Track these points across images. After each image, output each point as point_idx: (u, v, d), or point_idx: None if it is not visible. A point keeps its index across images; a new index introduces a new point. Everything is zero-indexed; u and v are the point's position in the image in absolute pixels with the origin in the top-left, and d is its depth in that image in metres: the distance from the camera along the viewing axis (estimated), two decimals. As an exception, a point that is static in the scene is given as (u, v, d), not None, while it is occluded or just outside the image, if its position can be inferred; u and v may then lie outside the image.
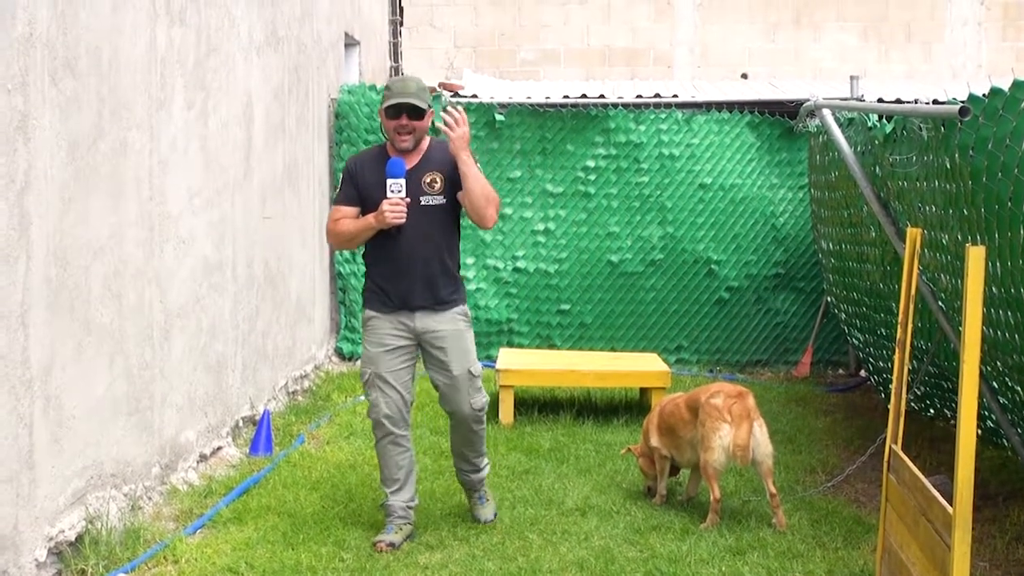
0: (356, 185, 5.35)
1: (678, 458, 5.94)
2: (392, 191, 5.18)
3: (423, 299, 5.29)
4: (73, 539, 4.75)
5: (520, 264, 10.43)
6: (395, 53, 14.06)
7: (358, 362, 9.28)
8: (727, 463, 5.63)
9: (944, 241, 5.27)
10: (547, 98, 10.51)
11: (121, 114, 5.27)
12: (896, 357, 4.66)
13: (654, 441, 6.01)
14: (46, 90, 4.51)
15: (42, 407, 4.51)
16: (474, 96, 10.60)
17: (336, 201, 5.44)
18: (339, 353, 10.30)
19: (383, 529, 5.35)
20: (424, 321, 5.30)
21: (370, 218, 5.23)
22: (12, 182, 4.25)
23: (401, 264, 5.27)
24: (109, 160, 5.14)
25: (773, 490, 5.60)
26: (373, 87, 10.36)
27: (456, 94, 10.63)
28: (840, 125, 7.15)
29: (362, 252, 5.62)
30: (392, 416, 5.31)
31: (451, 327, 5.33)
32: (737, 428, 5.54)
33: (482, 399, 5.41)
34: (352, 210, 5.33)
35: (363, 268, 5.60)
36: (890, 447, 4.62)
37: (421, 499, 5.92)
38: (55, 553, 4.64)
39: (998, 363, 5.09)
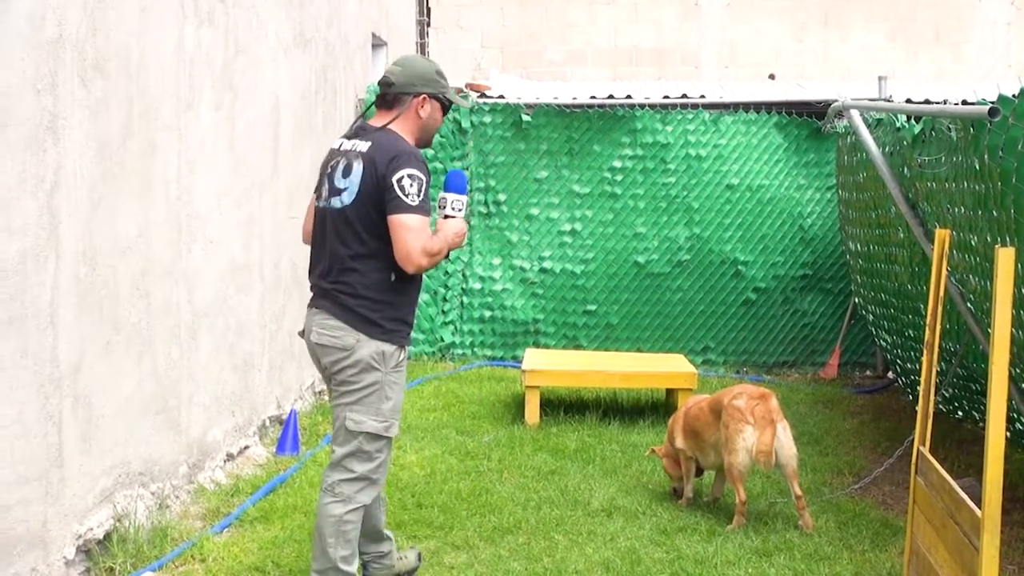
0: None
1: (702, 460, 5.93)
2: (463, 209, 4.32)
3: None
4: (101, 537, 4.79)
5: (547, 264, 10.43)
6: (422, 53, 14.11)
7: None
8: (751, 465, 5.60)
9: (973, 242, 5.23)
10: (574, 98, 10.51)
11: (150, 115, 5.30)
12: (924, 359, 4.63)
13: (679, 443, 5.99)
14: (75, 91, 4.55)
15: (71, 406, 4.54)
16: (501, 96, 10.61)
17: (424, 210, 4.11)
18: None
19: None
20: None
21: (452, 238, 4.23)
22: (42, 181, 4.28)
23: (417, 292, 4.43)
24: (138, 160, 5.17)
25: (799, 492, 5.58)
26: (400, 88, 10.36)
27: (483, 94, 10.64)
28: (868, 126, 7.11)
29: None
30: None
31: None
32: (761, 431, 5.52)
33: None
34: None
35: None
36: (918, 449, 4.59)
37: (448, 498, 5.94)
38: (83, 551, 4.67)
39: (1028, 365, 5.05)
